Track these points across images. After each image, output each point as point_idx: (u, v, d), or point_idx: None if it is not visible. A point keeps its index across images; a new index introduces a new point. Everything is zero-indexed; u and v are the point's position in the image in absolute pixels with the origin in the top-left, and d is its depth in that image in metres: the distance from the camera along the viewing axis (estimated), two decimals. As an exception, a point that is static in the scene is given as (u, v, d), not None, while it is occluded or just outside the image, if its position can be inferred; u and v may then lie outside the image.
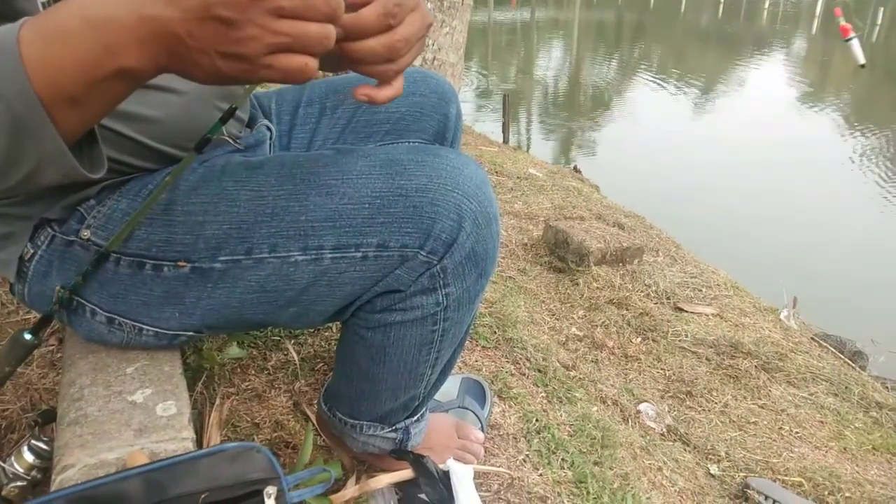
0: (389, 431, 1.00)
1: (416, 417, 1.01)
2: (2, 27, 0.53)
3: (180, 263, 0.79)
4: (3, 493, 0.82)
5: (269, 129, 1.02)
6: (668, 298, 2.52)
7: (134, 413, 0.75)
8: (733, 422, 1.91)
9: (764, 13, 23.30)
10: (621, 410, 1.78)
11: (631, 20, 21.66)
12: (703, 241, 3.84)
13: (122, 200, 0.80)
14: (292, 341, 1.42)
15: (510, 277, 2.39)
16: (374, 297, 0.82)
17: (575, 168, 5.00)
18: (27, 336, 0.77)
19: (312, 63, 0.53)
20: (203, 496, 0.56)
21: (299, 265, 0.78)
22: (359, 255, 0.78)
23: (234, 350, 1.28)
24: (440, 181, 0.77)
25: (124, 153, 0.80)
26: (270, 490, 0.59)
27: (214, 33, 0.50)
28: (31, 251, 0.82)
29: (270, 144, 1.02)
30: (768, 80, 11.69)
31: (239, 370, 1.31)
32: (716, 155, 7.14)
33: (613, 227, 2.95)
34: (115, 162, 0.79)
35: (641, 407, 1.86)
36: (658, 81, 11.40)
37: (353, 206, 0.76)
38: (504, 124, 6.02)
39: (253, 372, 1.32)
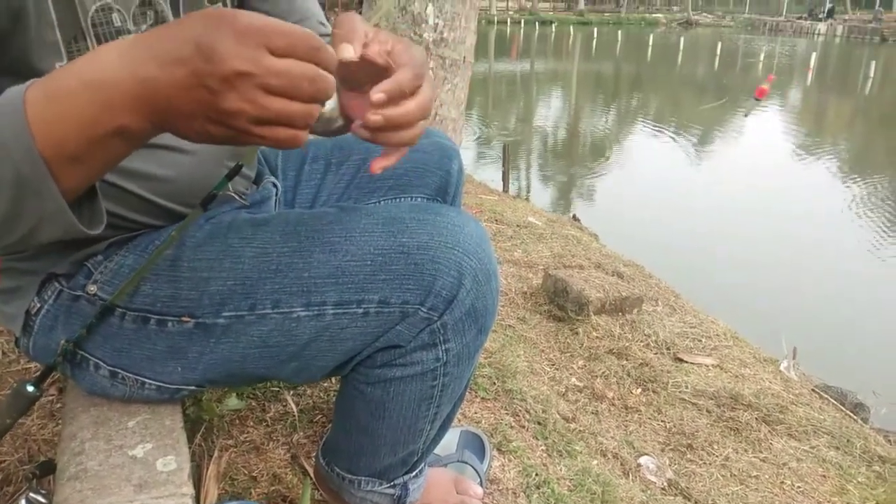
0: (388, 487, 0.99)
1: (414, 473, 1.01)
2: (13, 88, 0.56)
3: (184, 319, 0.80)
4: None
5: (275, 185, 1.05)
6: (667, 349, 2.52)
7: (134, 468, 0.76)
8: (734, 476, 1.89)
9: (759, 65, 23.77)
10: (622, 464, 1.77)
11: (628, 71, 22.10)
12: (702, 289, 3.86)
13: (129, 256, 0.82)
14: (291, 393, 1.42)
15: (510, 326, 2.39)
16: (375, 352, 0.83)
17: (574, 216, 5.05)
18: (30, 388, 0.78)
19: (302, 135, 0.55)
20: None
21: (301, 321, 0.80)
22: (360, 310, 0.79)
23: (232, 401, 1.29)
24: (441, 239, 0.79)
25: (132, 210, 0.82)
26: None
27: (202, 101, 0.52)
28: (38, 305, 0.83)
29: (276, 201, 1.04)
30: (765, 130, 11.85)
31: (237, 422, 1.31)
32: (714, 203, 7.20)
33: (612, 275, 2.97)
34: (123, 219, 0.82)
35: (642, 460, 1.84)
36: (656, 131, 11.57)
37: (355, 263, 0.78)
38: (504, 173, 6.09)
39: (251, 423, 1.32)
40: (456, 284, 0.78)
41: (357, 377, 0.87)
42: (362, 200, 1.10)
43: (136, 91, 0.53)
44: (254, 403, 1.36)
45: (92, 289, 0.82)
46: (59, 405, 1.25)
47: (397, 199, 1.11)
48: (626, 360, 2.37)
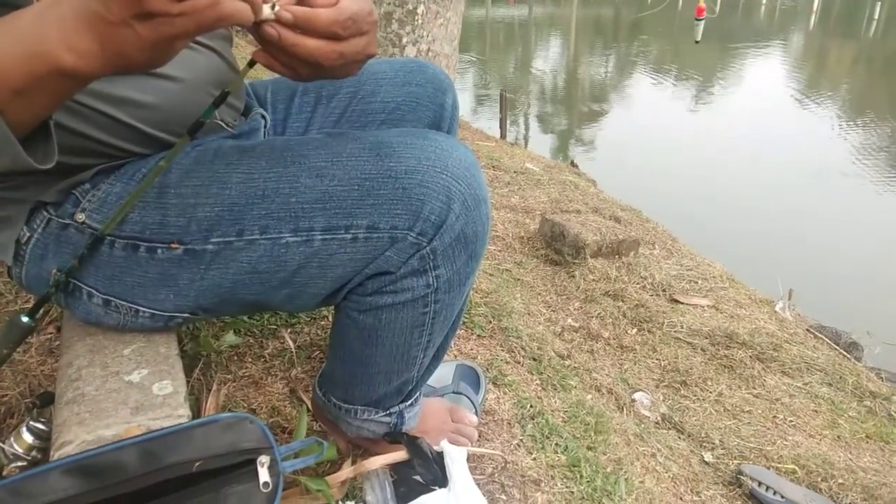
0: (384, 416, 1.00)
1: (409, 402, 1.02)
2: None
3: (173, 245, 0.80)
4: (4, 472, 0.83)
5: (263, 117, 1.03)
6: (663, 290, 2.54)
7: (130, 392, 0.77)
8: (728, 411, 1.93)
9: (762, 9, 23.30)
10: (616, 399, 1.80)
11: (628, 16, 21.65)
12: (699, 234, 3.86)
13: (117, 184, 0.81)
14: (289, 330, 1.43)
15: (506, 270, 2.40)
16: (365, 279, 0.82)
17: (572, 163, 5.01)
18: (24, 319, 0.78)
19: (225, 4, 0.54)
20: (197, 464, 0.57)
21: (290, 246, 0.79)
22: (349, 236, 0.78)
23: (230, 337, 1.30)
24: (429, 163, 0.78)
25: (119, 138, 0.81)
26: (263, 459, 0.60)
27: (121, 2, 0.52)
28: (28, 234, 0.83)
29: (265, 133, 1.03)
30: (766, 75, 11.69)
31: (236, 358, 1.32)
32: (713, 149, 7.15)
33: (610, 220, 2.96)
34: (110, 146, 0.81)
35: (636, 396, 1.87)
36: (656, 77, 11.41)
37: (342, 187, 0.77)
38: (501, 120, 6.03)
39: (249, 359, 1.33)
40: (445, 209, 0.77)
41: (349, 305, 0.87)
42: None
43: (76, 23, 0.54)
44: (251, 340, 1.37)
45: (80, 217, 0.81)
46: (57, 343, 1.26)
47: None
48: (623, 301, 2.38)
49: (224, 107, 0.91)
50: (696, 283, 2.70)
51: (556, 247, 2.61)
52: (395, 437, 1.04)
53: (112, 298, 0.84)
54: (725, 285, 2.75)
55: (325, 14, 0.62)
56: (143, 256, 0.81)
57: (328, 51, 0.64)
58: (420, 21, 1.73)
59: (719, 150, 7.14)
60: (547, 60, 13.28)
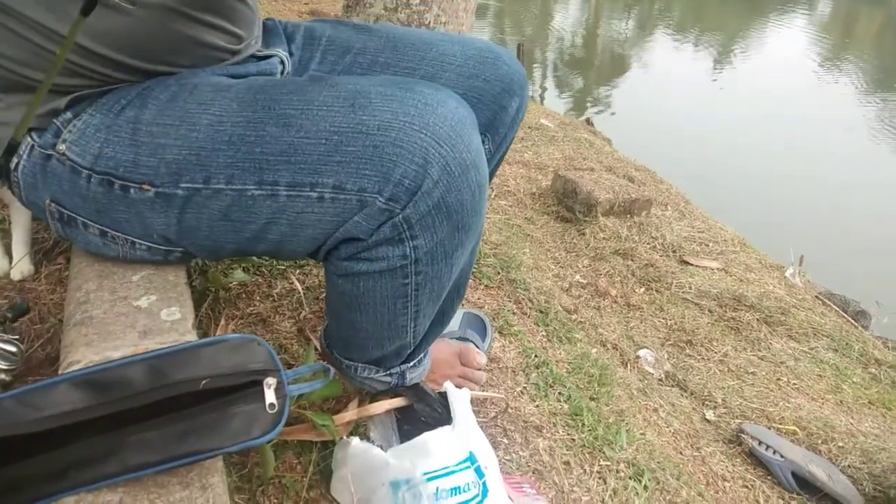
0: (384, 375, 0.97)
1: (411, 364, 0.98)
2: None
3: (144, 186, 0.76)
4: None
5: (283, 62, 0.98)
6: (674, 251, 2.52)
7: (139, 317, 0.77)
8: (732, 371, 1.93)
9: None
10: (621, 355, 1.80)
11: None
12: (712, 197, 3.82)
13: (97, 115, 0.79)
14: (297, 271, 1.43)
15: (517, 225, 2.39)
16: (339, 243, 0.77)
17: (588, 121, 4.94)
18: None
19: None
20: (203, 382, 0.57)
21: (256, 199, 0.74)
22: (314, 194, 0.72)
23: (238, 274, 1.30)
24: (406, 119, 0.70)
25: (95, 62, 0.78)
26: (270, 381, 0.60)
27: None
28: (16, 161, 0.81)
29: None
30: (789, 40, 11.43)
31: (244, 295, 1.32)
32: (732, 114, 7.04)
33: (623, 179, 2.93)
34: (83, 67, 0.77)
35: (641, 353, 1.87)
36: (677, 38, 11.17)
37: (309, 140, 0.71)
38: (518, 75, 5.93)
39: (258, 298, 1.33)
40: (420, 174, 0.69)
41: (329, 268, 0.82)
42: None
43: None
44: (260, 280, 1.37)
45: (61, 148, 0.78)
46: (66, 273, 1.27)
47: (372, 75, 0.99)
48: (632, 260, 2.37)
49: (218, 31, 0.85)
50: (707, 245, 2.68)
51: (568, 204, 2.59)
52: (398, 390, 1.03)
53: (107, 230, 0.82)
54: (736, 249, 2.73)
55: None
56: (118, 194, 0.78)
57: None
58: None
59: (737, 115, 7.02)
60: (566, 16, 13.00)
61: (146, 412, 0.57)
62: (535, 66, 8.70)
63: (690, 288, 2.29)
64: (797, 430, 1.73)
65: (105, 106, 0.79)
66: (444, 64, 1.00)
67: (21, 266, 1.24)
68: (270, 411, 0.59)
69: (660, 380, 1.80)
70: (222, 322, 1.17)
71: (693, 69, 9.32)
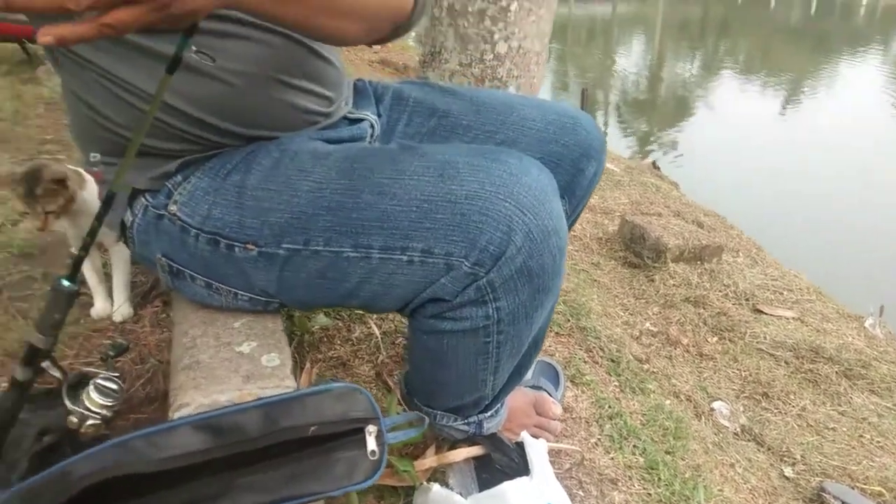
0: (462, 423, 1.00)
1: (489, 413, 1.01)
2: None
3: (248, 246, 0.82)
4: (82, 430, 0.87)
5: (372, 126, 1.03)
6: (746, 300, 2.47)
7: (241, 362, 0.82)
8: (811, 426, 1.87)
9: (861, 9, 22.14)
10: (694, 406, 1.77)
11: (717, 15, 20.98)
12: (785, 244, 3.72)
13: (205, 178, 0.86)
14: (375, 316, 1.47)
15: (583, 270, 2.39)
16: (426, 302, 0.81)
17: (654, 164, 4.92)
18: (65, 283, 0.78)
19: None
20: (312, 429, 0.61)
21: (351, 261, 0.79)
22: (405, 258, 0.76)
23: (321, 319, 1.35)
24: (493, 189, 0.73)
25: (201, 129, 0.85)
26: (371, 428, 0.64)
27: None
28: (132, 218, 0.90)
29: (369, 143, 1.03)
30: (863, 80, 11.12)
31: (326, 339, 1.37)
32: (803, 157, 6.86)
33: (692, 224, 2.91)
34: (189, 133, 0.84)
35: (715, 405, 1.84)
36: (743, 79, 11.03)
37: (401, 208, 0.75)
38: (582, 119, 5.95)
39: (338, 342, 1.38)
40: (504, 240, 0.72)
41: (415, 323, 0.86)
42: None
43: None
44: (340, 324, 1.43)
45: (172, 208, 0.86)
46: (164, 315, 1.35)
47: (458, 143, 1.04)
48: (703, 308, 2.34)
49: (310, 95, 0.91)
50: (782, 293, 2.62)
51: (636, 249, 2.58)
52: (475, 439, 1.06)
53: (212, 282, 0.88)
54: (812, 298, 2.66)
55: None
56: (224, 252, 0.84)
57: None
58: (512, 18, 1.74)
59: (809, 158, 6.84)
60: (629, 58, 13.02)
61: (256, 455, 0.61)
62: (598, 109, 8.72)
63: (765, 338, 2.23)
64: (883, 490, 1.65)
65: (212, 170, 0.86)
66: (524, 128, 1.04)
67: (122, 309, 1.33)
68: (372, 458, 0.63)
69: (735, 433, 1.76)
70: (307, 365, 1.22)
71: (761, 111, 9.15)
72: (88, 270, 1.32)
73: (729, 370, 2.04)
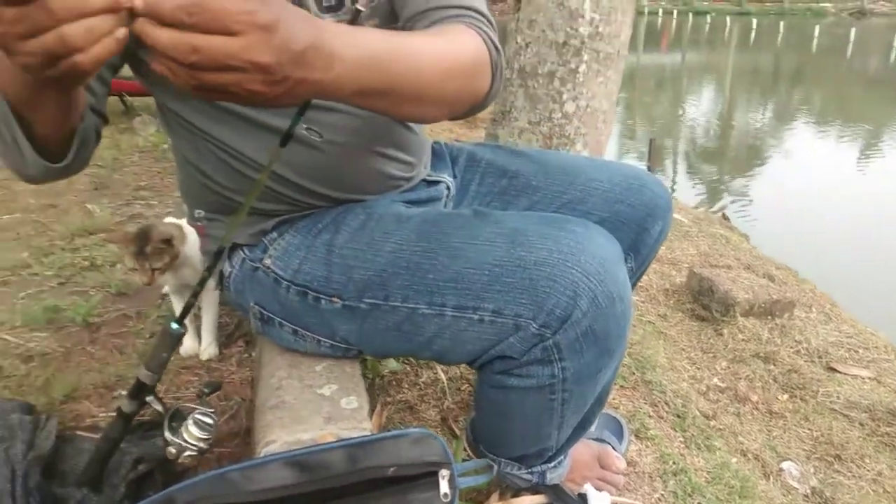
0: (525, 472, 1.03)
1: (553, 464, 1.04)
2: None
3: (334, 300, 0.90)
4: (181, 459, 0.95)
5: (448, 188, 1.11)
6: (819, 357, 2.41)
7: (323, 404, 0.88)
8: (888, 492, 1.79)
9: (947, 58, 21.36)
10: (762, 466, 1.73)
11: (790, 63, 20.61)
12: (861, 300, 3.59)
13: (297, 236, 0.95)
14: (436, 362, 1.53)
15: (650, 322, 2.39)
16: (494, 358, 0.85)
17: (723, 215, 4.85)
18: (174, 326, 0.88)
19: (81, 58, 0.51)
20: (391, 469, 0.66)
21: (426, 317, 0.85)
22: (476, 317, 0.82)
23: (392, 364, 1.42)
24: (560, 256, 0.77)
25: (297, 192, 0.94)
26: (444, 473, 0.69)
27: (19, 66, 0.53)
28: (230, 270, 0.99)
29: (445, 202, 1.11)
30: (949, 132, 10.66)
31: (395, 383, 1.43)
32: (881, 210, 6.61)
33: (763, 278, 2.86)
34: (285, 195, 0.94)
35: (784, 465, 1.79)
36: (818, 129, 10.76)
37: (474, 270, 0.81)
38: (649, 168, 5.95)
39: (406, 386, 1.44)
40: (570, 305, 0.76)
41: (483, 377, 0.91)
42: None
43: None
44: (408, 368, 1.49)
45: (267, 262, 0.95)
46: (246, 355, 1.44)
47: (528, 212, 1.07)
48: (774, 365, 2.29)
49: (395, 161, 1.00)
50: (857, 352, 2.53)
51: (704, 302, 2.56)
52: (538, 489, 1.08)
53: (298, 329, 0.96)
54: (890, 357, 2.56)
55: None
56: (311, 304, 0.92)
57: (178, 41, 0.52)
58: (581, 79, 1.81)
59: (887, 211, 6.59)
60: (698, 107, 12.90)
61: (338, 492, 0.66)
62: (666, 158, 8.66)
63: (838, 397, 2.16)
64: (968, 566, 1.57)
65: (304, 229, 0.94)
66: (591, 189, 1.09)
67: (209, 349, 1.43)
68: (444, 500, 0.67)
69: (805, 496, 1.71)
70: (378, 408, 1.28)
71: (837, 161, 8.89)
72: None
73: (800, 430, 1.99)
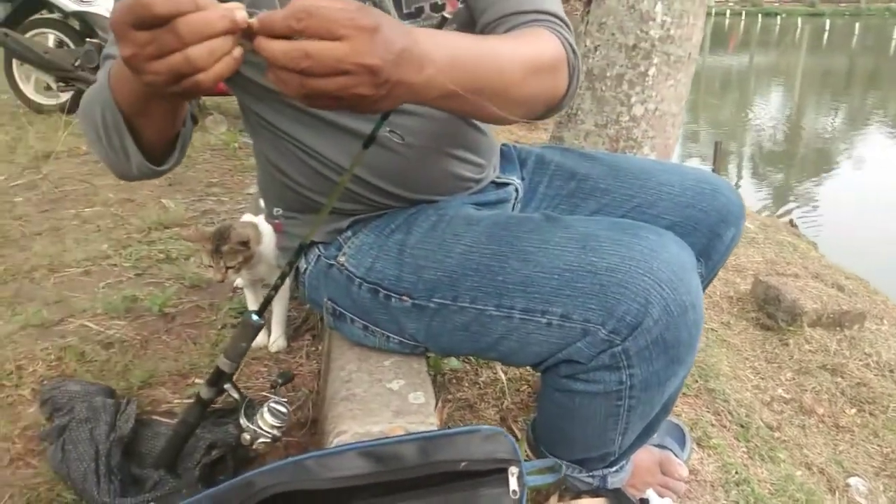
0: (587, 476, 1.03)
1: (615, 469, 1.04)
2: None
3: (404, 298, 0.92)
4: (255, 446, 0.98)
5: (517, 190, 1.12)
6: (890, 371, 2.32)
7: (391, 398, 0.91)
8: (964, 515, 1.72)
9: None
10: (828, 480, 1.69)
11: (865, 66, 19.78)
12: (939, 314, 3.43)
13: (371, 235, 0.97)
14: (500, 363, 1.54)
15: (713, 329, 2.34)
16: (560, 362, 0.85)
17: (791, 222, 4.70)
18: (254, 318, 0.91)
19: (202, 77, 0.54)
20: (463, 464, 0.68)
21: (493, 319, 0.86)
22: (544, 320, 0.82)
23: (453, 362, 1.44)
24: (632, 263, 0.77)
25: (373, 192, 0.97)
26: (514, 470, 0.70)
27: (145, 82, 0.57)
28: (305, 266, 1.02)
29: (514, 205, 1.12)
30: None
31: (454, 381, 1.45)
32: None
33: (832, 288, 2.77)
34: (360, 195, 0.97)
35: (851, 481, 1.74)
36: (893, 133, 10.31)
37: (543, 275, 0.81)
38: (714, 172, 5.82)
39: (466, 385, 1.46)
40: (641, 312, 0.76)
41: (547, 380, 0.91)
42: None
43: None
44: (468, 367, 1.50)
45: (341, 260, 0.98)
46: (312, 348, 1.48)
47: (600, 217, 1.05)
48: (842, 377, 2.22)
49: (466, 163, 1.02)
50: (932, 367, 2.43)
51: (769, 311, 2.50)
52: (599, 492, 1.08)
53: (369, 325, 0.99)
54: (969, 374, 2.45)
55: (280, 10, 0.56)
56: (382, 301, 0.94)
57: (291, 48, 0.55)
58: (650, 82, 1.79)
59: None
60: (765, 110, 12.51)
61: (410, 484, 0.69)
62: (731, 163, 8.45)
63: (911, 414, 2.08)
64: None
65: (377, 228, 0.97)
66: (661, 193, 1.08)
67: (278, 341, 1.47)
68: (513, 497, 0.69)
69: (875, 514, 1.66)
70: (439, 404, 1.30)
71: (914, 167, 8.50)
72: (252, 306, 1.48)
73: (868, 445, 1.93)
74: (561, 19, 0.88)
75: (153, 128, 0.75)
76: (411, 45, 0.60)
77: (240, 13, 0.56)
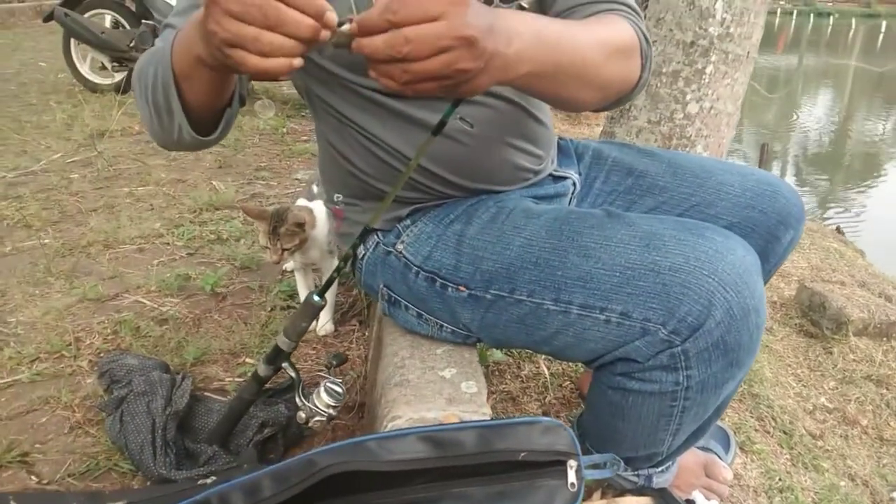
0: (632, 474, 1.03)
1: (661, 469, 1.04)
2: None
3: (460, 288, 0.93)
4: (310, 424, 1.00)
5: (574, 184, 1.12)
6: (939, 386, 2.27)
7: (444, 386, 0.92)
8: None
9: None
10: (871, 493, 1.66)
11: (921, 71, 19.13)
12: None
13: (429, 224, 0.98)
14: (543, 357, 1.54)
15: (754, 334, 2.31)
16: (616, 360, 0.85)
17: (837, 228, 4.59)
18: (315, 298, 0.94)
19: (254, 59, 0.56)
20: (522, 454, 0.69)
21: (550, 313, 0.86)
22: (602, 317, 0.82)
23: (497, 354, 1.44)
24: (697, 264, 0.76)
25: (433, 181, 0.98)
26: (572, 463, 0.71)
27: (206, 28, 0.59)
28: (363, 252, 1.04)
29: (571, 198, 1.12)
30: None
31: (497, 373, 1.46)
32: None
33: (879, 297, 2.71)
34: (421, 184, 0.98)
35: (895, 495, 1.71)
36: (949, 142, 9.97)
37: (604, 271, 0.81)
38: (758, 175, 5.69)
39: (508, 377, 1.47)
40: (704, 314, 0.75)
41: (600, 377, 0.91)
42: None
43: (194, 30, 0.66)
44: (511, 360, 1.51)
45: (399, 247, 0.99)
46: (359, 334, 1.51)
47: (664, 217, 1.03)
48: (887, 389, 2.18)
49: (526, 154, 1.02)
50: (982, 384, 2.36)
51: (814, 318, 2.45)
52: (644, 491, 1.08)
53: (423, 313, 1.01)
54: None
55: (373, 9, 0.57)
56: (438, 290, 0.95)
57: (391, 38, 0.56)
58: (707, 80, 1.77)
59: None
60: (813, 112, 12.20)
61: (468, 470, 0.70)
62: (775, 166, 8.27)
63: (960, 430, 2.03)
64: None
65: (436, 217, 0.98)
66: (721, 192, 1.07)
67: (326, 325, 1.50)
68: (571, 489, 0.70)
69: (919, 529, 1.63)
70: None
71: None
72: (303, 289, 1.50)
73: (914, 460, 1.89)
74: (633, 8, 0.88)
75: (197, 93, 0.76)
76: (499, 20, 0.61)
77: (330, 14, 0.57)
